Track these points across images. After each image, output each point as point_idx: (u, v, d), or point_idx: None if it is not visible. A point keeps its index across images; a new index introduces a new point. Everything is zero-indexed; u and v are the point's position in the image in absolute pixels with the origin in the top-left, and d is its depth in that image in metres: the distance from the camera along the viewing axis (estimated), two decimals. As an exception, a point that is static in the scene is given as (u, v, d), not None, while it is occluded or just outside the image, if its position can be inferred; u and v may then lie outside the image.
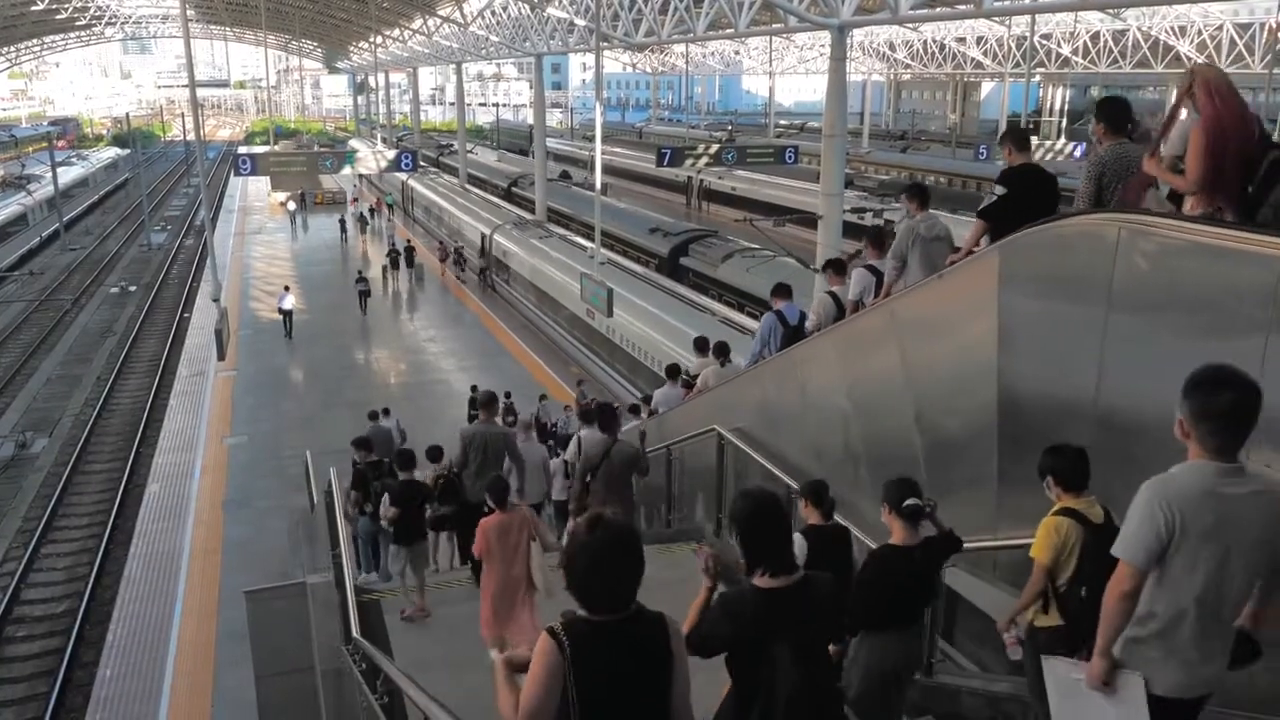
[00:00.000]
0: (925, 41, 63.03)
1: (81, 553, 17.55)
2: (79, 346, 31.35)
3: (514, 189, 48.68)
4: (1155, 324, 4.26)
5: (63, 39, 73.64)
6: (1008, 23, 49.61)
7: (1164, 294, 4.18)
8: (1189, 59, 44.61)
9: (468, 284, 35.84)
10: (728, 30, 32.01)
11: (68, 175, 62.60)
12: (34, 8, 52.02)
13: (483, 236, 35.43)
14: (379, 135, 71.34)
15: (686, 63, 76.09)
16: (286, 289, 29.42)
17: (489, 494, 7.01)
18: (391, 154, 37.01)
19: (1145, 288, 4.24)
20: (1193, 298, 4.03)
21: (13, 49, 71.64)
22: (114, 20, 63.57)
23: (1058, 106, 72.31)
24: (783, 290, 8.84)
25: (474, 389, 18.87)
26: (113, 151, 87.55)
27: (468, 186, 48.46)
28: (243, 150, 45.03)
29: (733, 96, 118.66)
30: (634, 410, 15.49)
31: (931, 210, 6.80)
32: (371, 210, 49.18)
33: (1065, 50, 52.39)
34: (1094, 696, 2.98)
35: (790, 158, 28.88)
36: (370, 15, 48.87)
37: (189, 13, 27.94)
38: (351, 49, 75.50)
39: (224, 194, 63.11)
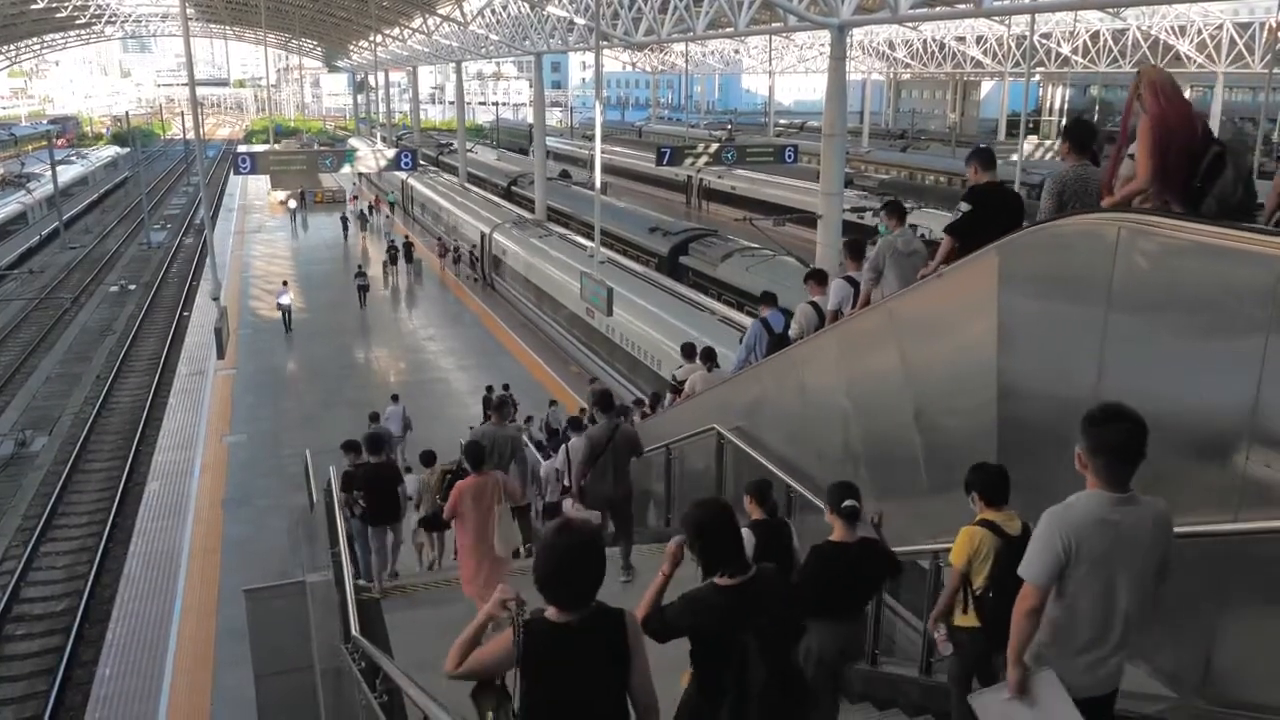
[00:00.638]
0: (925, 41, 63.03)
1: (81, 551, 17.55)
2: (79, 345, 31.35)
3: (514, 188, 48.66)
4: (1155, 324, 4.26)
5: (62, 37, 73.59)
6: (1007, 22, 49.59)
7: (1164, 294, 4.19)
8: (1189, 58, 44.66)
9: (466, 282, 35.85)
10: (727, 29, 32.01)
11: (67, 174, 62.56)
12: (33, 6, 51.99)
13: (482, 235, 35.42)
14: (379, 134, 71.31)
15: (686, 62, 76.07)
16: (285, 284, 30.00)
17: (465, 456, 7.61)
18: (391, 153, 37.00)
19: (1145, 287, 4.24)
20: (1192, 297, 4.03)
21: (12, 47, 71.58)
22: (114, 19, 63.53)
23: (1057, 106, 72.37)
24: (769, 298, 9.24)
25: (489, 389, 19.68)
26: (112, 150, 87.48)
27: (467, 185, 48.45)
28: (242, 149, 45.04)
29: (732, 95, 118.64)
30: (637, 404, 15.55)
31: (908, 225, 7.16)
32: (370, 208, 49.33)
33: (1065, 49, 52.39)
34: (1021, 708, 3.25)
35: (790, 157, 28.90)
36: (370, 14, 48.86)
37: (189, 11, 27.93)
38: (351, 48, 75.46)
39: (224, 193, 63.11)
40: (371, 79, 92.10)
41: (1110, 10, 43.56)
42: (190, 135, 76.57)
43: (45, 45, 76.81)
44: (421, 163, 45.59)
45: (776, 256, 25.44)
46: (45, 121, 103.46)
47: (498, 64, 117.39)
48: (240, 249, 42.24)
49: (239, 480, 18.05)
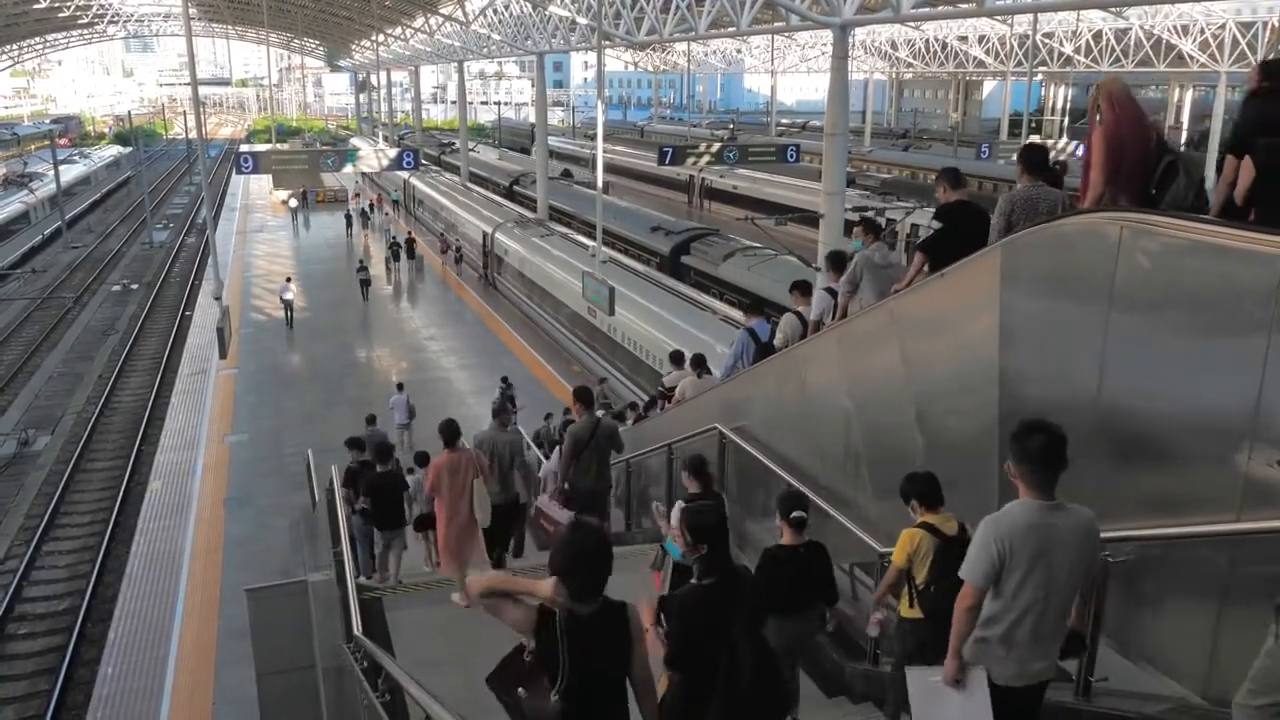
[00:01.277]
0: (927, 40, 62.99)
1: (83, 550, 17.57)
2: (81, 344, 31.38)
3: (516, 187, 48.67)
4: (1156, 323, 4.25)
5: (65, 37, 73.66)
6: (1010, 21, 49.58)
7: (1165, 293, 4.18)
8: (1191, 58, 44.60)
9: (468, 281, 35.88)
10: (729, 29, 32.02)
11: (70, 173, 62.61)
12: (36, 6, 52.05)
13: (484, 235, 35.44)
14: (381, 133, 71.37)
15: (688, 61, 76.09)
16: (288, 280, 30.44)
17: (441, 434, 8.35)
18: (393, 152, 37.00)
19: (1147, 287, 4.24)
20: (1194, 297, 4.02)
21: (15, 47, 71.65)
22: (116, 19, 63.59)
23: (1060, 105, 72.26)
24: (755, 308, 9.87)
25: (504, 379, 20.16)
26: (115, 149, 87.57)
27: (469, 185, 48.47)
28: (244, 148, 45.09)
29: (734, 95, 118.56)
30: (632, 408, 15.57)
31: (882, 240, 7.51)
32: (371, 206, 49.60)
33: (1067, 49, 52.31)
34: (948, 692, 3.63)
35: (792, 156, 28.87)
36: (372, 13, 48.91)
37: (191, 11, 27.95)
38: (353, 47, 75.50)
39: (226, 192, 63.12)
40: (374, 78, 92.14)
41: (1113, 10, 43.51)
42: (193, 135, 76.63)
43: (48, 45, 76.87)
44: (423, 162, 45.63)
45: (778, 256, 25.43)
46: (48, 121, 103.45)
47: (500, 63, 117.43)
48: (242, 249, 42.25)
49: (241, 480, 18.05)
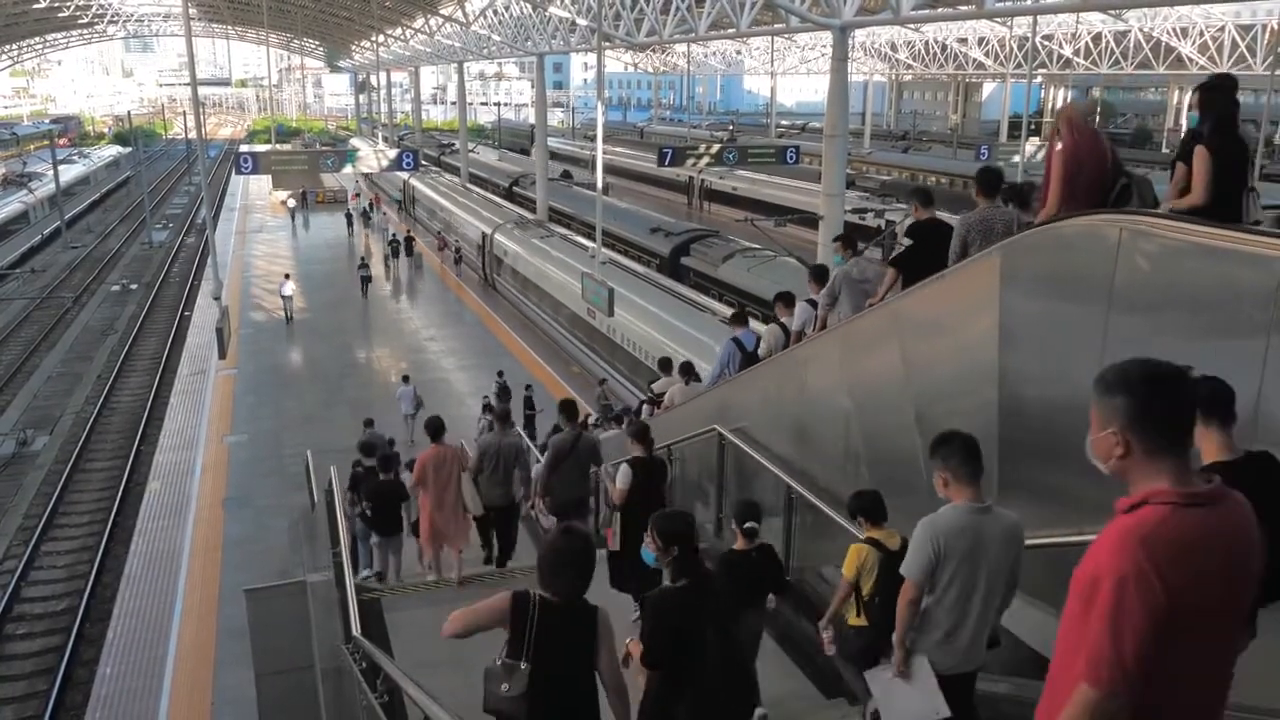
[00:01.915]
0: (927, 42, 62.97)
1: (82, 550, 17.56)
2: (80, 344, 31.37)
3: (515, 188, 48.66)
4: (1156, 324, 4.26)
5: (65, 37, 73.67)
6: (1009, 23, 49.56)
7: (1165, 294, 4.18)
8: (1191, 60, 44.62)
9: (467, 282, 35.89)
10: (729, 30, 32.03)
11: (69, 173, 62.57)
12: (36, 6, 52.04)
13: (484, 236, 35.45)
14: (380, 134, 71.38)
15: (688, 62, 76.05)
16: (287, 276, 31.10)
17: (427, 429, 9.00)
18: (393, 153, 37.00)
19: (1146, 288, 4.24)
20: (1193, 298, 4.03)
21: (14, 47, 71.64)
22: (116, 19, 63.59)
23: (1059, 107, 72.29)
24: (739, 319, 10.12)
25: (529, 388, 20.79)
26: (114, 149, 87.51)
27: (469, 186, 48.47)
28: (244, 149, 45.13)
29: (734, 96, 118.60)
30: (618, 420, 15.66)
31: (859, 255, 7.97)
32: (371, 205, 49.74)
33: (1067, 51, 52.33)
34: (899, 682, 4.05)
35: (792, 158, 28.88)
36: (372, 14, 48.91)
37: (191, 11, 27.95)
38: (353, 48, 75.50)
39: (225, 192, 63.13)
40: (373, 79, 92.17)
41: (1112, 12, 43.52)
42: (192, 135, 76.61)
43: (47, 45, 76.89)
44: (423, 163, 45.63)
45: (778, 257, 25.43)
46: (47, 121, 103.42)
47: (500, 64, 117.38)
48: (242, 249, 42.28)
49: (240, 480, 18.05)
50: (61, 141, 78.32)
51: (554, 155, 57.68)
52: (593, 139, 36.55)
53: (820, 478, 7.04)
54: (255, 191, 58.74)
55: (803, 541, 7.10)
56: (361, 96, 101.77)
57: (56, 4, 52.97)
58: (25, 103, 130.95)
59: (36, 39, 71.37)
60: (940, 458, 3.83)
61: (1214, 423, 3.07)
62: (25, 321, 34.01)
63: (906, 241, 6.59)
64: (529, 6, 38.36)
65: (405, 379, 20.89)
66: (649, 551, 4.32)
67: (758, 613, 5.80)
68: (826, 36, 30.24)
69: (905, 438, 6.15)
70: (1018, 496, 4.52)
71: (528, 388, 20.51)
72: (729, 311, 21.37)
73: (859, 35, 58.39)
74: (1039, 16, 41.44)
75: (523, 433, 15.01)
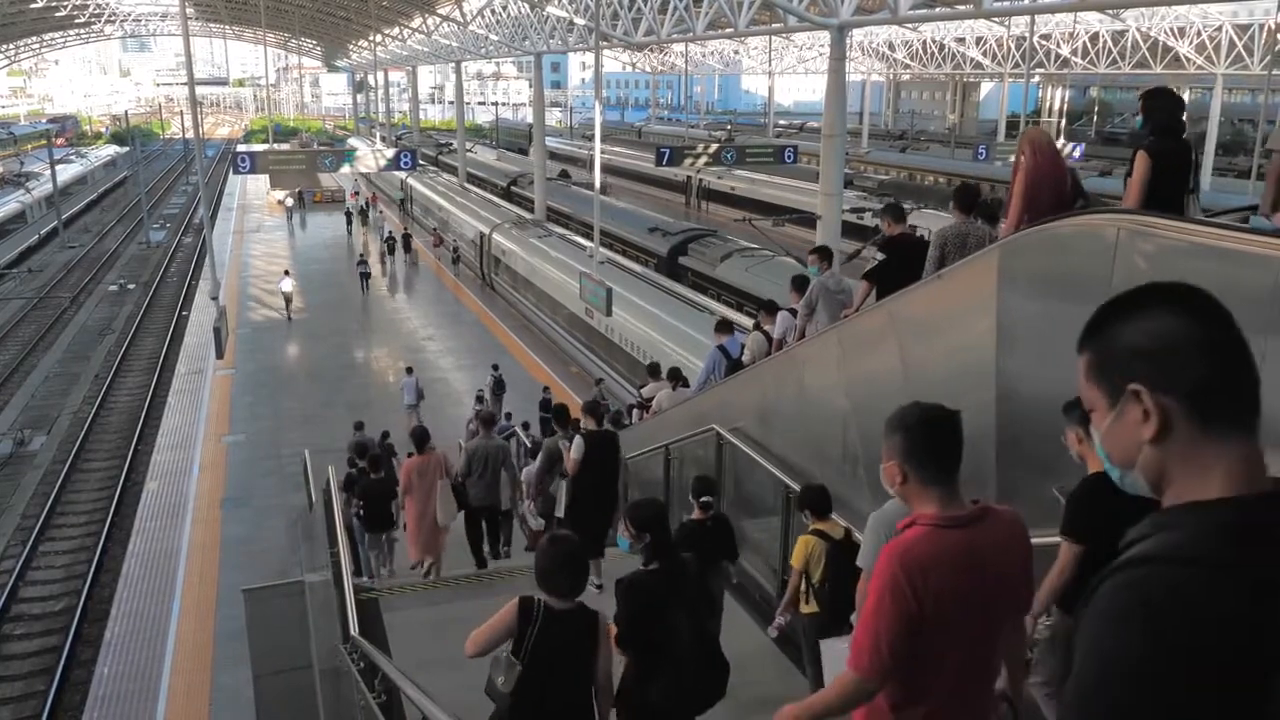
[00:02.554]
0: (925, 42, 62.95)
1: (79, 550, 17.53)
2: (77, 344, 31.32)
3: (513, 188, 48.64)
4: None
5: (62, 37, 73.56)
6: (1007, 23, 49.57)
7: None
8: (1188, 60, 44.65)
9: (465, 281, 35.89)
10: (727, 30, 32.00)
11: (66, 173, 62.49)
12: (33, 5, 51.96)
13: (482, 236, 35.43)
14: (378, 134, 71.30)
15: (686, 62, 76.00)
16: (286, 273, 31.50)
17: (412, 439, 9.52)
18: (390, 152, 36.98)
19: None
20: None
21: (11, 46, 71.55)
22: (113, 18, 63.53)
23: (1057, 107, 72.33)
24: (724, 327, 10.49)
25: (546, 390, 20.73)
26: (111, 149, 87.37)
27: (467, 185, 48.44)
28: (241, 148, 45.09)
29: (732, 96, 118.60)
30: (615, 420, 15.67)
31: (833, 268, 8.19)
32: (367, 204, 49.92)
33: (1064, 51, 52.34)
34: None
35: (789, 157, 28.88)
36: (370, 14, 48.86)
37: (188, 11, 27.91)
38: (351, 47, 75.42)
39: (223, 192, 63.04)
40: (371, 79, 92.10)
41: (1110, 12, 43.54)
42: (189, 134, 76.55)
43: (44, 44, 76.79)
44: (421, 162, 45.59)
45: (775, 257, 25.43)
46: (44, 120, 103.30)
47: (497, 64, 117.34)
48: (239, 249, 42.26)
49: (238, 480, 18.04)
50: (59, 141, 78.35)
51: (552, 155, 57.69)
52: (591, 138, 36.52)
53: (818, 477, 7.04)
54: (253, 191, 58.70)
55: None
56: (359, 96, 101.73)
57: (53, 3, 52.90)
58: (22, 102, 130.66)
59: (33, 38, 71.27)
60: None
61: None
62: (22, 321, 33.95)
63: (879, 256, 6.99)
64: (526, 6, 38.34)
65: (409, 370, 21.33)
66: (624, 539, 4.60)
67: (715, 576, 6.25)
68: (824, 36, 30.23)
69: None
70: (1015, 496, 4.52)
71: (545, 389, 20.50)
72: (727, 311, 21.51)
73: (857, 35, 58.38)
74: (1037, 16, 41.50)
75: (540, 436, 15.08)
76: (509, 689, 3.76)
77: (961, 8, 30.89)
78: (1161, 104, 4.73)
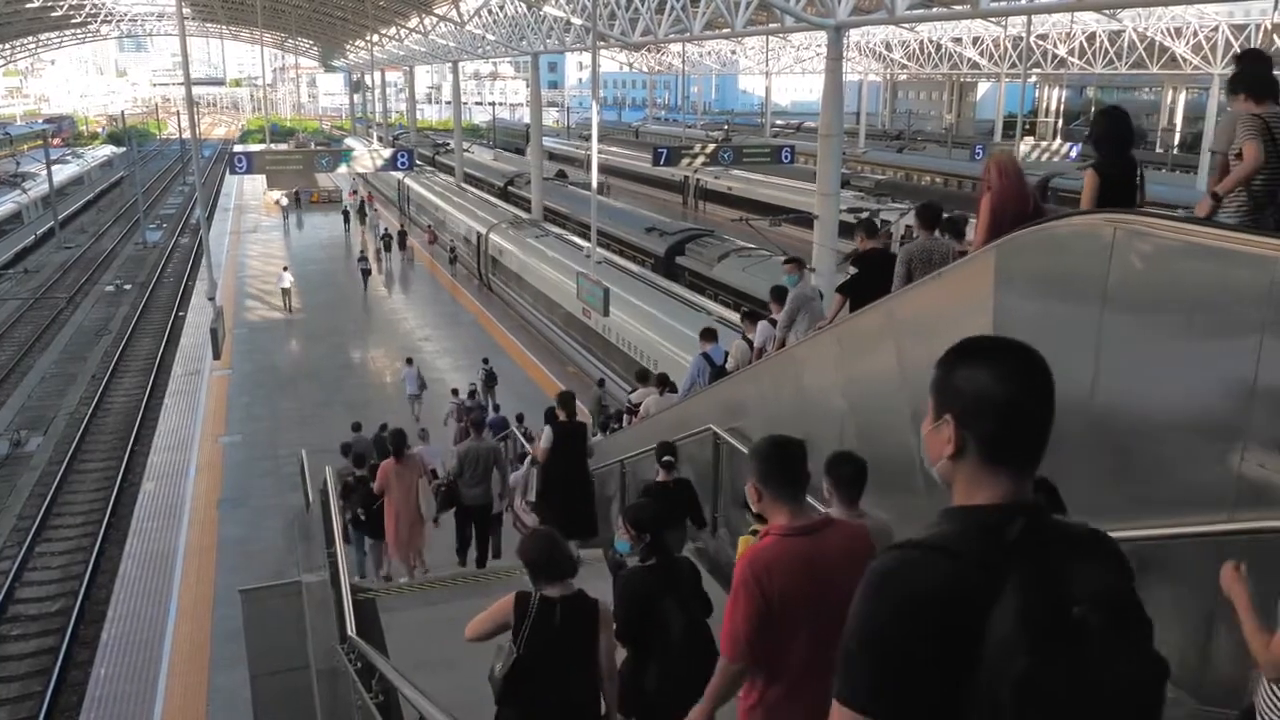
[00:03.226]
0: (922, 42, 63.00)
1: (76, 551, 17.52)
2: (74, 345, 31.28)
3: (510, 188, 48.63)
4: (1150, 324, 4.27)
5: (58, 37, 73.44)
6: (1004, 23, 49.58)
7: (1159, 294, 4.19)
8: (1185, 60, 44.71)
9: (462, 281, 35.88)
10: (724, 30, 31.99)
11: (63, 173, 62.27)
12: (29, 5, 51.86)
13: (479, 236, 35.42)
14: (375, 134, 71.23)
15: (683, 62, 76.00)
16: (285, 269, 31.94)
17: (390, 443, 9.87)
18: (388, 152, 36.95)
19: (1141, 288, 4.25)
20: (1188, 298, 4.04)
21: (8, 46, 71.44)
22: (110, 18, 63.42)
23: (1053, 107, 72.43)
24: (709, 335, 10.81)
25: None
26: (108, 149, 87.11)
27: (464, 185, 48.42)
28: (238, 148, 45.03)
29: (729, 96, 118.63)
30: (615, 421, 15.83)
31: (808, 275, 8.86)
32: (364, 203, 50.02)
33: (1061, 51, 52.40)
34: None
35: (786, 157, 28.86)
36: (367, 13, 48.80)
37: (185, 11, 27.88)
38: (348, 47, 75.36)
39: (219, 192, 62.94)
40: (368, 79, 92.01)
41: (1106, 12, 43.58)
42: (186, 135, 76.37)
43: (41, 44, 76.67)
44: (418, 163, 45.56)
45: (773, 257, 25.43)
46: (40, 121, 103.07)
47: (494, 64, 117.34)
48: (236, 249, 42.21)
49: (235, 480, 18.02)
50: (55, 141, 78.21)
51: (549, 155, 57.71)
52: (588, 138, 36.50)
53: (817, 478, 7.04)
54: (250, 191, 58.61)
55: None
56: (356, 96, 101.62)
57: (50, 3, 52.80)
58: (18, 102, 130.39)
59: (29, 38, 71.15)
60: (831, 482, 4.41)
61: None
62: (19, 322, 33.90)
63: (852, 270, 7.36)
64: (523, 6, 38.33)
65: (409, 361, 21.82)
66: (624, 541, 4.84)
67: (677, 535, 6.60)
68: (821, 36, 30.25)
69: (901, 438, 6.16)
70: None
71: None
72: (724, 311, 21.51)
73: (854, 35, 58.40)
74: (1033, 16, 41.55)
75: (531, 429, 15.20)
76: (503, 674, 3.92)
77: (958, 7, 30.91)
78: (1109, 122, 5.10)
